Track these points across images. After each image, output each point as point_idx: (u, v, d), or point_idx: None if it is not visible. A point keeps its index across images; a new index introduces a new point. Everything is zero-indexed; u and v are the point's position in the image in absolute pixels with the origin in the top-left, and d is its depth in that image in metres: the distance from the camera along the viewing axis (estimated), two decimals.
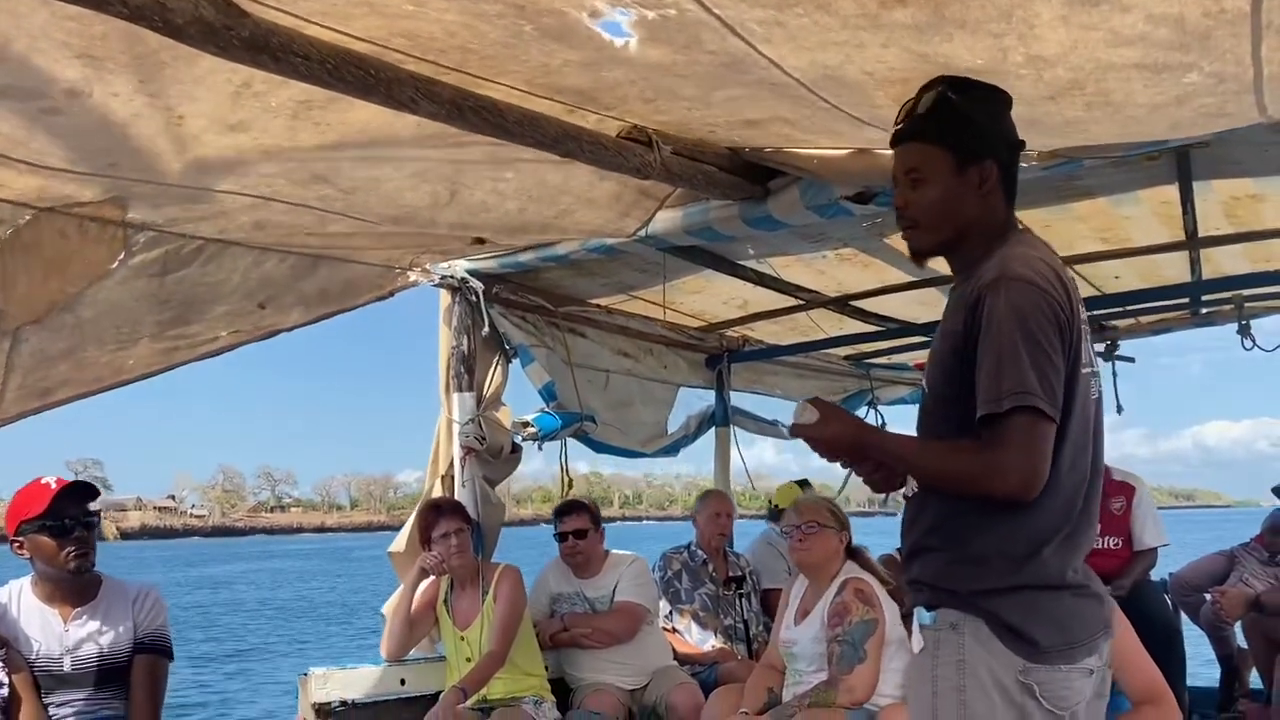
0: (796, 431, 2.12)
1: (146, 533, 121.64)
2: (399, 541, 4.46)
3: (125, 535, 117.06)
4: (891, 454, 2.07)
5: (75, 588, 3.39)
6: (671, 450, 6.09)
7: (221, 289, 3.39)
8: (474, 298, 4.42)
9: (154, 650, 3.44)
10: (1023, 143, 2.13)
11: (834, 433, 2.08)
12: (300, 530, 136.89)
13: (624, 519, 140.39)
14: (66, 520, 3.30)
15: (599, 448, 5.36)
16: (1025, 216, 4.10)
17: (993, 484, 1.87)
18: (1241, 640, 5.40)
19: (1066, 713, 1.93)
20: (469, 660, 4.09)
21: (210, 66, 2.12)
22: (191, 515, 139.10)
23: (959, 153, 2.03)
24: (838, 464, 2.16)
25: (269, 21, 1.95)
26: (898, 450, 2.08)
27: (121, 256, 2.99)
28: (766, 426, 6.76)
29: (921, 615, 2.04)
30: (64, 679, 3.32)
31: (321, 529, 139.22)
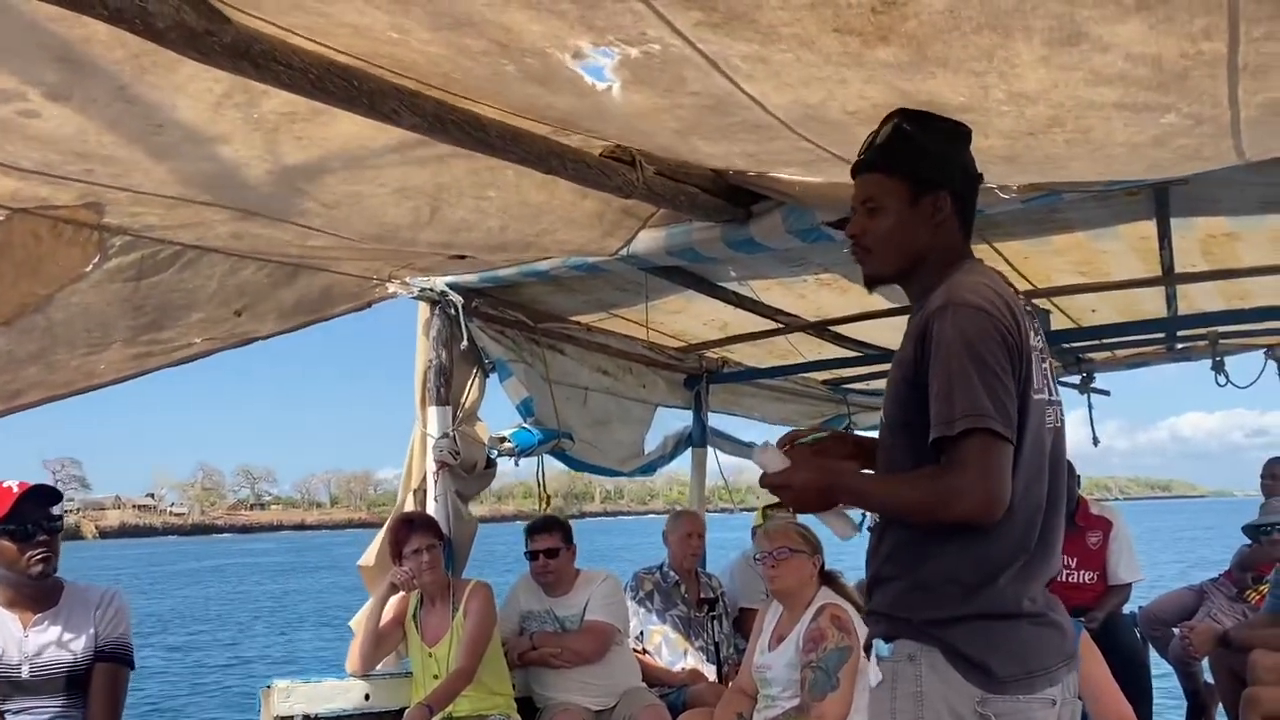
0: (766, 480, 2.12)
1: (126, 531, 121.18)
2: (369, 555, 4.42)
3: (104, 534, 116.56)
4: (856, 493, 2.08)
5: (36, 593, 3.34)
6: (648, 470, 6.09)
7: (197, 295, 3.36)
8: (453, 311, 4.40)
9: (114, 659, 3.39)
10: (981, 175, 2.14)
11: (805, 480, 2.08)
12: (280, 528, 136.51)
13: (605, 514, 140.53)
14: (29, 525, 3.25)
15: (576, 465, 5.35)
16: (1004, 248, 4.14)
17: (952, 508, 1.86)
18: (1209, 676, 5.41)
19: None
20: (436, 677, 4.05)
21: (191, 74, 2.10)
22: (171, 513, 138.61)
23: (913, 183, 2.06)
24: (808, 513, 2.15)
25: (252, 29, 1.93)
26: (862, 489, 2.08)
27: (96, 260, 2.96)
28: (743, 449, 6.76)
29: (879, 647, 2.03)
30: (22, 686, 3.27)
31: (302, 526, 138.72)
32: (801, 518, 4.42)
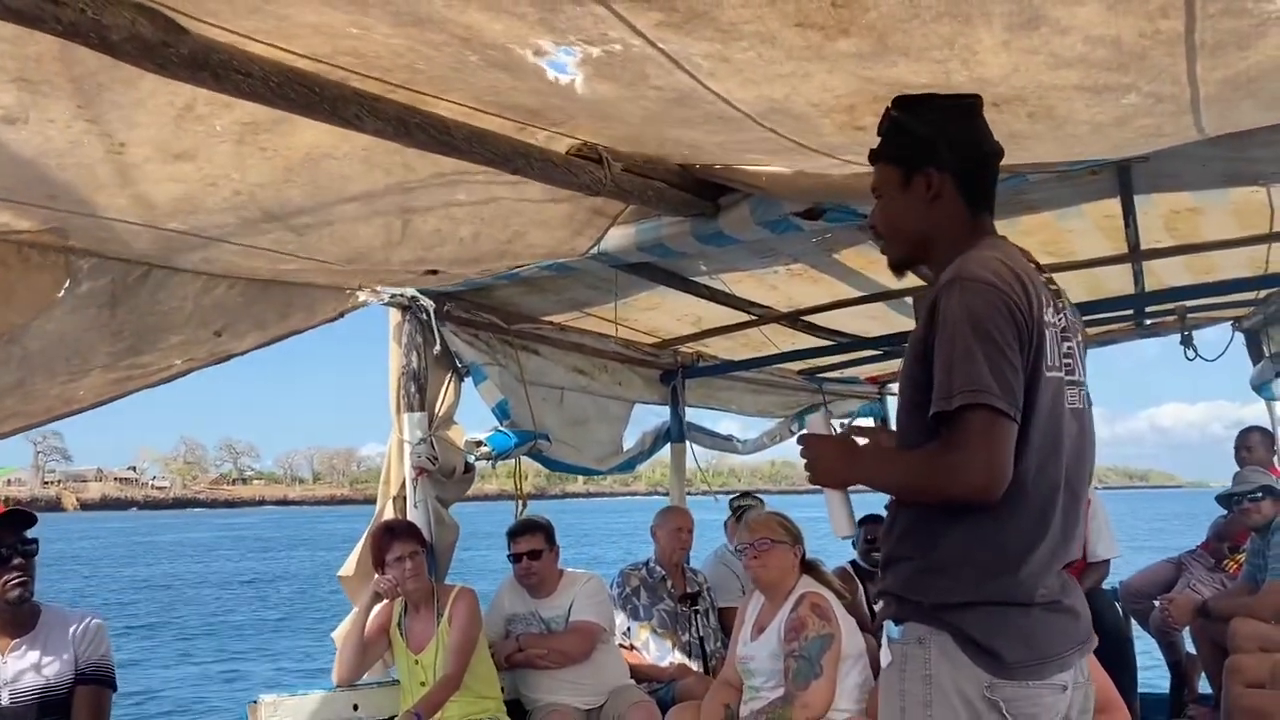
0: (801, 438, 2.18)
1: (107, 504, 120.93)
2: (349, 565, 4.39)
3: (85, 506, 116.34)
4: (867, 471, 2.08)
5: (13, 618, 3.30)
6: (627, 467, 6.09)
7: (174, 318, 3.32)
8: (425, 316, 4.37)
9: (96, 680, 3.36)
10: (996, 148, 2.12)
11: (827, 450, 2.13)
12: (263, 503, 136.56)
13: (588, 495, 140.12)
14: (3, 550, 3.22)
15: (554, 465, 5.34)
16: None
17: (951, 485, 1.83)
18: (1190, 646, 5.48)
19: None
20: (423, 684, 4.03)
21: (150, 89, 2.07)
22: (153, 487, 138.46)
23: (902, 167, 2.08)
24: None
25: (208, 39, 1.90)
26: (871, 467, 2.08)
27: (67, 284, 2.91)
28: (721, 442, 6.77)
29: (890, 629, 2.02)
30: (1, 713, 3.23)
31: (284, 501, 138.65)
32: (781, 508, 4.44)
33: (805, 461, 2.16)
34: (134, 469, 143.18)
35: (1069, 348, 2.00)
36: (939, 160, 2.05)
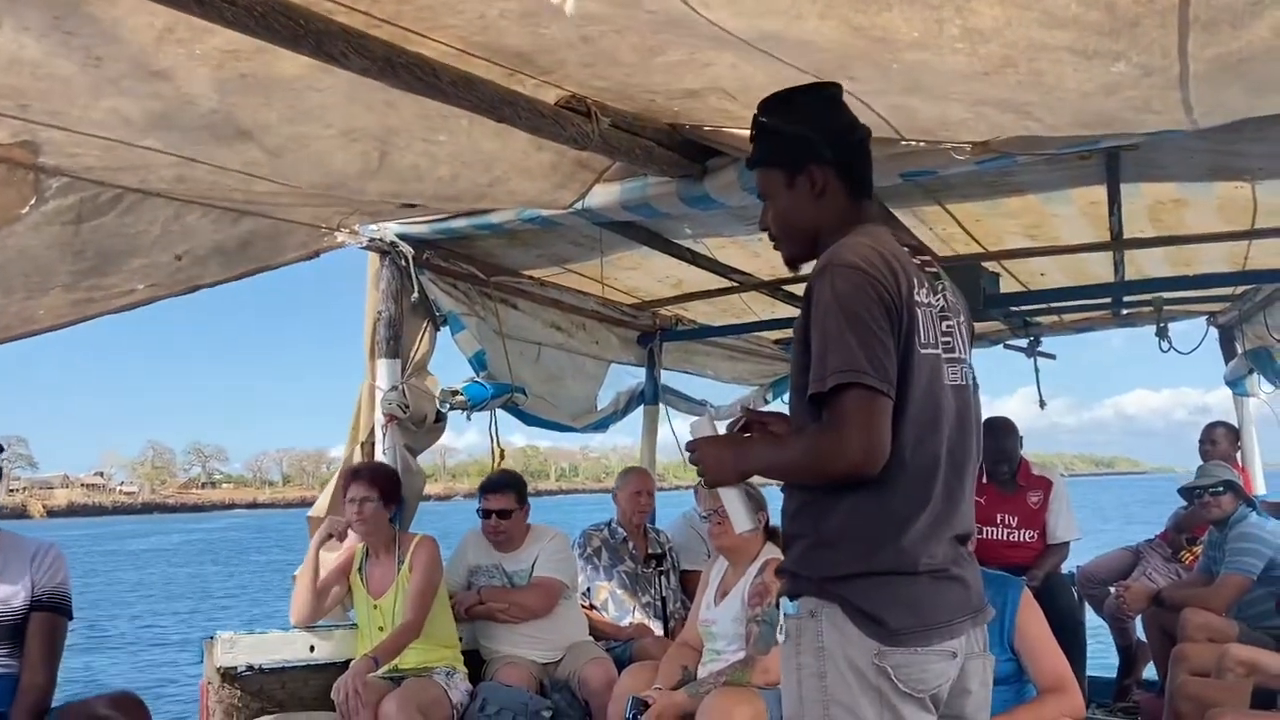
0: (687, 445, 2.21)
1: (74, 510, 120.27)
2: (318, 507, 4.39)
3: (52, 513, 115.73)
4: (757, 460, 2.12)
5: None
6: (600, 426, 6.09)
7: (140, 240, 3.27)
8: (403, 262, 4.34)
9: (52, 608, 3.33)
10: (864, 130, 2.17)
11: (713, 451, 2.15)
12: (232, 506, 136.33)
13: (561, 491, 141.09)
14: None
15: (529, 420, 5.33)
16: (956, 210, 4.16)
17: (832, 463, 1.89)
18: (1141, 633, 5.57)
19: (925, 695, 1.94)
20: (381, 629, 4.04)
21: (131, 6, 2.04)
22: (121, 492, 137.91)
23: (783, 169, 2.14)
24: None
25: None
26: (759, 455, 2.12)
27: (33, 202, 2.87)
28: (696, 406, 6.79)
29: (786, 604, 2.06)
30: None
31: (254, 505, 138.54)
32: None
33: (697, 467, 2.18)
34: (101, 474, 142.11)
35: (948, 326, 2.06)
36: (819, 156, 2.11)
